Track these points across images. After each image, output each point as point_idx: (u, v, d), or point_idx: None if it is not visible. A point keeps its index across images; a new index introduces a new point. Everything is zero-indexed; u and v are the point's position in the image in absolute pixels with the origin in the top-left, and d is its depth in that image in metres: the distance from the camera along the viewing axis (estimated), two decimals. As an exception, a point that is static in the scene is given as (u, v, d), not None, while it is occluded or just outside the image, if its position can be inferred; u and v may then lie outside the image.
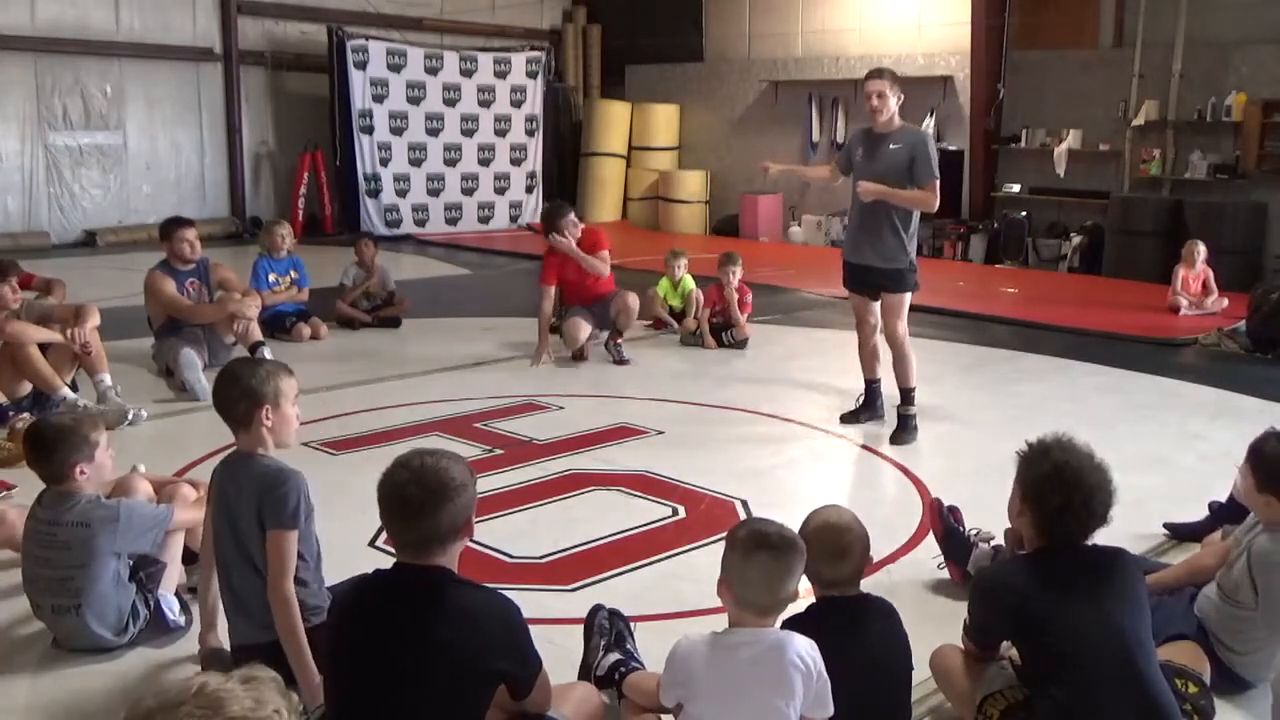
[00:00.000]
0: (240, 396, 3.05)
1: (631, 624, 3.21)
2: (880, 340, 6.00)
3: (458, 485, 2.44)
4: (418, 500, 2.40)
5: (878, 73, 5.75)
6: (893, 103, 5.63)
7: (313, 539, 3.10)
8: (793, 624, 2.63)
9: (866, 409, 6.14)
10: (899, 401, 5.90)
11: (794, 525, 2.69)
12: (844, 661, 2.52)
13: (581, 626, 3.18)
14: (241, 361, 3.49)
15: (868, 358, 6.09)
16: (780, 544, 2.49)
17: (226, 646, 3.18)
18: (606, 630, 3.13)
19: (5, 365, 5.72)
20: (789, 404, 6.48)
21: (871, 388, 6.13)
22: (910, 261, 5.77)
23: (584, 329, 7.55)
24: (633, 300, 7.64)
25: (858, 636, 2.67)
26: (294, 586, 2.95)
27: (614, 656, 3.03)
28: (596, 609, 3.21)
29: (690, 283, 8.52)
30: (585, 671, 3.05)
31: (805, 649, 2.46)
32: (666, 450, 5.53)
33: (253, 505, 2.99)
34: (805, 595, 2.79)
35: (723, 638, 2.50)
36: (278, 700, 1.46)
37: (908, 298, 5.86)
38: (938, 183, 5.65)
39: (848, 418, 6.13)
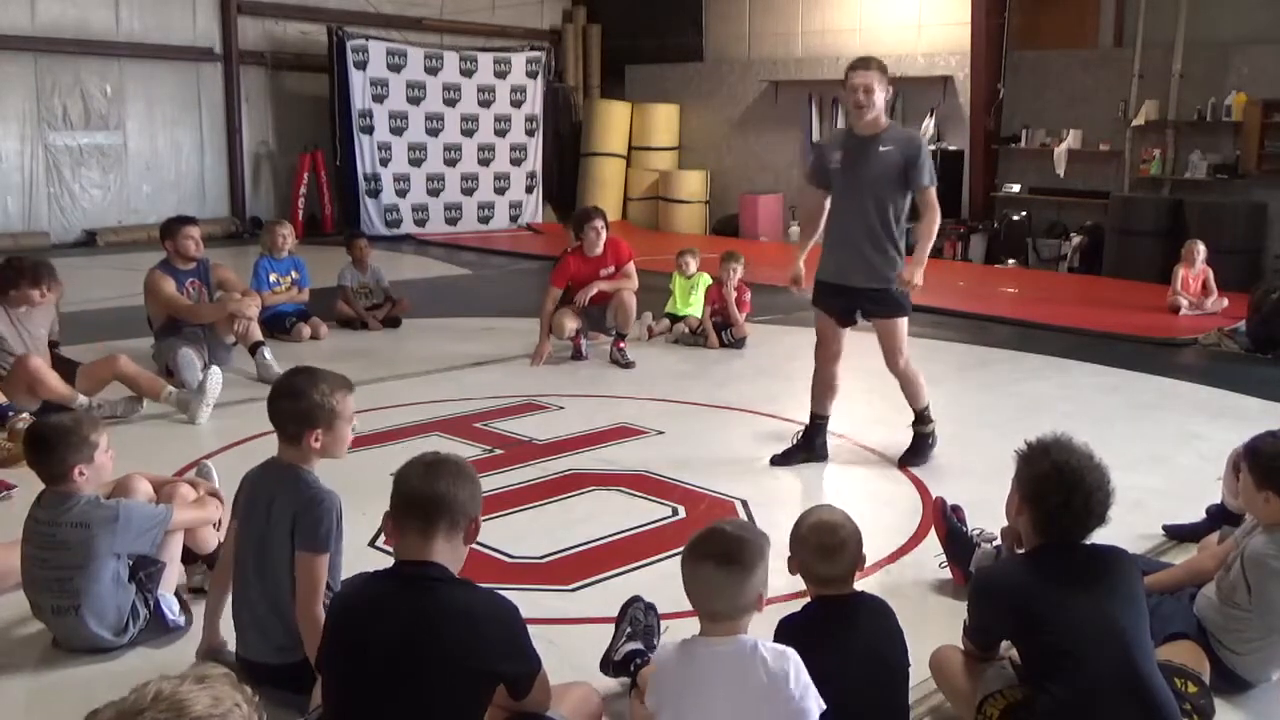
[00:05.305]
0: (291, 416, 3.02)
1: (662, 623, 3.23)
2: (839, 370, 5.32)
3: (467, 476, 2.52)
4: (421, 493, 2.45)
5: (864, 63, 4.86)
6: (880, 99, 4.84)
7: (339, 561, 3.07)
8: (787, 623, 2.64)
9: (803, 448, 5.30)
10: (913, 420, 5.34)
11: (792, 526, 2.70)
12: (839, 660, 2.52)
13: (581, 626, 3.19)
14: (302, 375, 3.11)
15: (820, 387, 5.31)
16: (724, 555, 2.40)
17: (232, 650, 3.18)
18: (640, 622, 3.15)
19: (19, 384, 5.65)
20: (789, 404, 6.46)
21: (816, 424, 5.33)
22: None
23: (572, 319, 7.57)
24: (629, 299, 7.64)
25: (853, 635, 2.67)
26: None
27: (634, 645, 3.05)
28: (634, 599, 3.23)
29: (706, 279, 8.45)
30: (605, 656, 3.07)
31: (773, 657, 2.37)
32: (666, 450, 5.53)
33: (287, 521, 2.96)
34: (803, 596, 2.80)
35: (690, 645, 2.47)
36: (234, 695, 1.46)
37: (903, 323, 5.09)
38: (934, 189, 4.95)
39: (779, 459, 5.25)
